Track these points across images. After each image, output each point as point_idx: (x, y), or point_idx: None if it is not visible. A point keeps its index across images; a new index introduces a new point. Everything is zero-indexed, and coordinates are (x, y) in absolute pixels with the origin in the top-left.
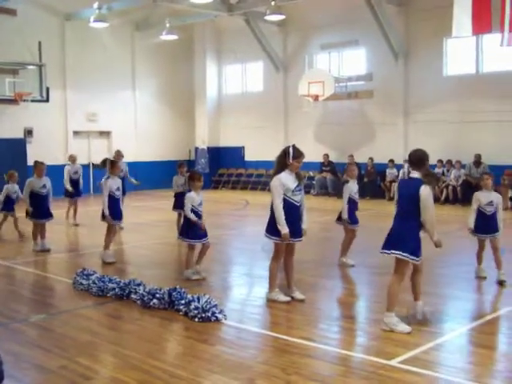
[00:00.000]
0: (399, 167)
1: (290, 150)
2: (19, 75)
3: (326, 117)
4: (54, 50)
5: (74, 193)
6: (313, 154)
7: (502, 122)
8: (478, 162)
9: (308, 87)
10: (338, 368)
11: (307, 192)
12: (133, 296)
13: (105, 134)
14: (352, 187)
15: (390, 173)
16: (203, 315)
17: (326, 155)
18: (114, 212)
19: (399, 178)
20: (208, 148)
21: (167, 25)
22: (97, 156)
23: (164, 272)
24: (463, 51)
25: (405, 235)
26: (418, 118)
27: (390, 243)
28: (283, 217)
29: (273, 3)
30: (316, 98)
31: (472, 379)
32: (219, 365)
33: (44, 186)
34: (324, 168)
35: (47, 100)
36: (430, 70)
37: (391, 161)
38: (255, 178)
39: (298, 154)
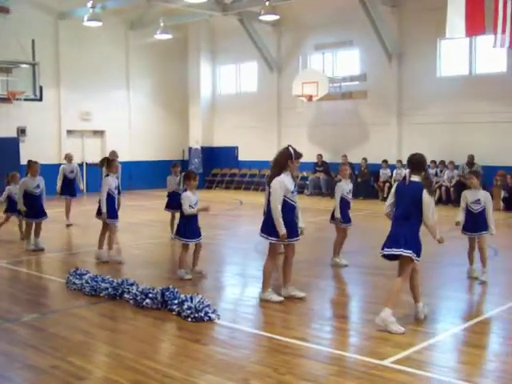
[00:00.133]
0: (392, 168)
1: (291, 150)
2: (12, 74)
3: (319, 117)
4: (47, 49)
5: (69, 192)
6: (306, 154)
7: (495, 122)
8: (471, 162)
9: (302, 87)
10: (331, 368)
11: (301, 192)
12: (126, 296)
13: (98, 134)
14: (344, 187)
15: (384, 173)
16: (196, 315)
17: (320, 155)
18: (111, 210)
19: (393, 179)
20: (202, 148)
21: (161, 24)
22: (90, 155)
23: (157, 272)
24: (457, 52)
25: (408, 236)
26: (411, 119)
27: (395, 242)
28: (281, 219)
29: (267, 3)
30: (310, 98)
31: (463, 379)
32: (212, 365)
33: (38, 186)
34: (318, 168)
35: (40, 99)
36: (424, 70)
37: (385, 161)
38: (249, 178)
39: (299, 155)
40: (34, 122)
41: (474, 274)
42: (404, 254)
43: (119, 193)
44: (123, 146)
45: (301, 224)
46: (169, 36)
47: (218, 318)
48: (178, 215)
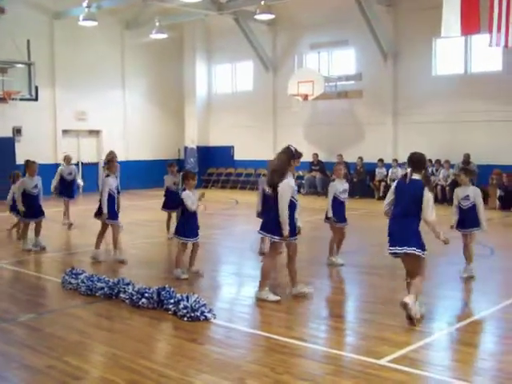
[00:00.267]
0: (388, 167)
1: (293, 149)
2: (8, 74)
3: (315, 116)
4: (43, 49)
5: (67, 194)
6: (302, 153)
7: (491, 121)
8: (466, 161)
9: (297, 87)
10: (328, 367)
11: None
12: (122, 295)
13: (94, 133)
14: (337, 186)
15: (380, 172)
16: (192, 314)
17: (316, 155)
18: (111, 211)
19: (389, 178)
20: (197, 147)
21: (157, 23)
22: (86, 155)
23: (153, 271)
24: (452, 51)
25: (409, 233)
26: (407, 118)
27: (399, 241)
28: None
29: (262, 2)
30: (305, 97)
31: (459, 377)
32: (208, 364)
33: (36, 186)
34: (313, 167)
35: (36, 99)
36: (419, 69)
37: (380, 160)
38: (244, 178)
39: (299, 154)
40: (29, 121)
41: (470, 273)
42: (408, 251)
43: (118, 192)
44: (119, 145)
45: (298, 223)
46: (164, 35)
47: (214, 318)
48: (174, 215)
